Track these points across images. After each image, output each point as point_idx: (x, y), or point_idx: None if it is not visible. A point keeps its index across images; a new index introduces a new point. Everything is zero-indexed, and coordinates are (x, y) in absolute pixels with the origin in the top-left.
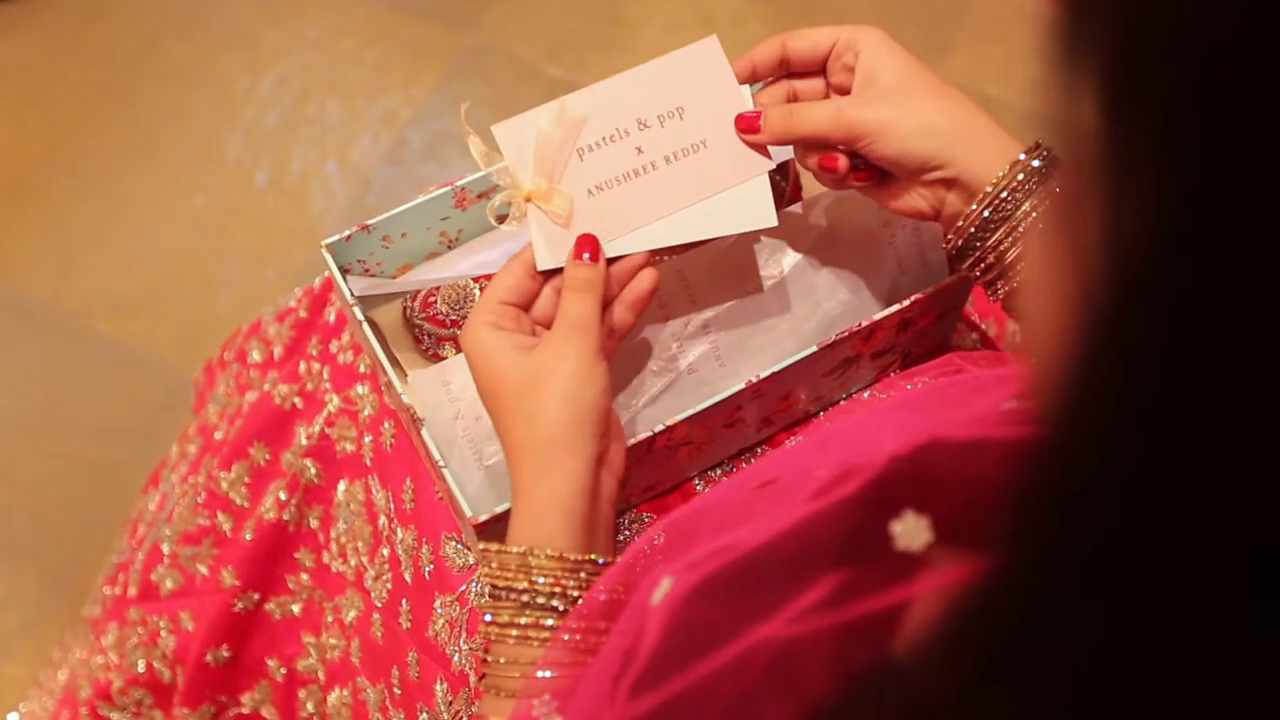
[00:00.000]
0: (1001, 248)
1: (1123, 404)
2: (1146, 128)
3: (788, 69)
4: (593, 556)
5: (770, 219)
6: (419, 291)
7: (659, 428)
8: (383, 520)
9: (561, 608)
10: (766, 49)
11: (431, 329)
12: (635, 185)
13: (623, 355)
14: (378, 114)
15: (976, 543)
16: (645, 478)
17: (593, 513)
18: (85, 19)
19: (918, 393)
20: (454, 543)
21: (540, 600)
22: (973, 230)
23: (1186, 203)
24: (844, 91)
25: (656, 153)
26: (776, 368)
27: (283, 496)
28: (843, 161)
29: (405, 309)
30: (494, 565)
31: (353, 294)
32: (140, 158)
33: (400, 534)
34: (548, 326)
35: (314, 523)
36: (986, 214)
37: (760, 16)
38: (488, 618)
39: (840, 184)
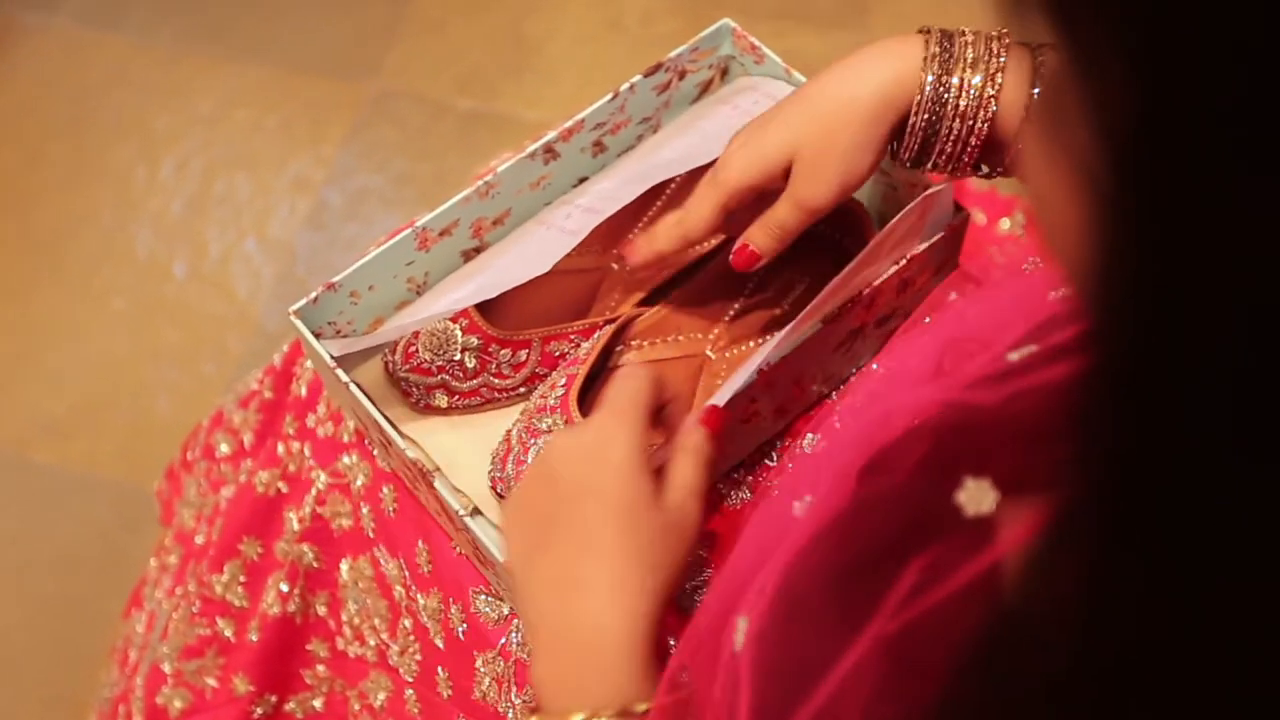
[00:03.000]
0: (955, 134)
1: (1151, 280)
2: (1101, 32)
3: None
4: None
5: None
6: (397, 344)
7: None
8: (399, 591)
9: None
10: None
11: (418, 379)
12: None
13: None
14: (289, 181)
15: (1046, 478)
16: None
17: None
18: None
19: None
20: (484, 596)
21: None
22: (919, 141)
23: (1159, 85)
24: None
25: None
26: (785, 350)
27: (284, 588)
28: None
29: (386, 364)
30: None
31: (332, 357)
32: (46, 271)
33: (422, 600)
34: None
35: (321, 609)
36: (926, 119)
37: (669, 11)
38: None
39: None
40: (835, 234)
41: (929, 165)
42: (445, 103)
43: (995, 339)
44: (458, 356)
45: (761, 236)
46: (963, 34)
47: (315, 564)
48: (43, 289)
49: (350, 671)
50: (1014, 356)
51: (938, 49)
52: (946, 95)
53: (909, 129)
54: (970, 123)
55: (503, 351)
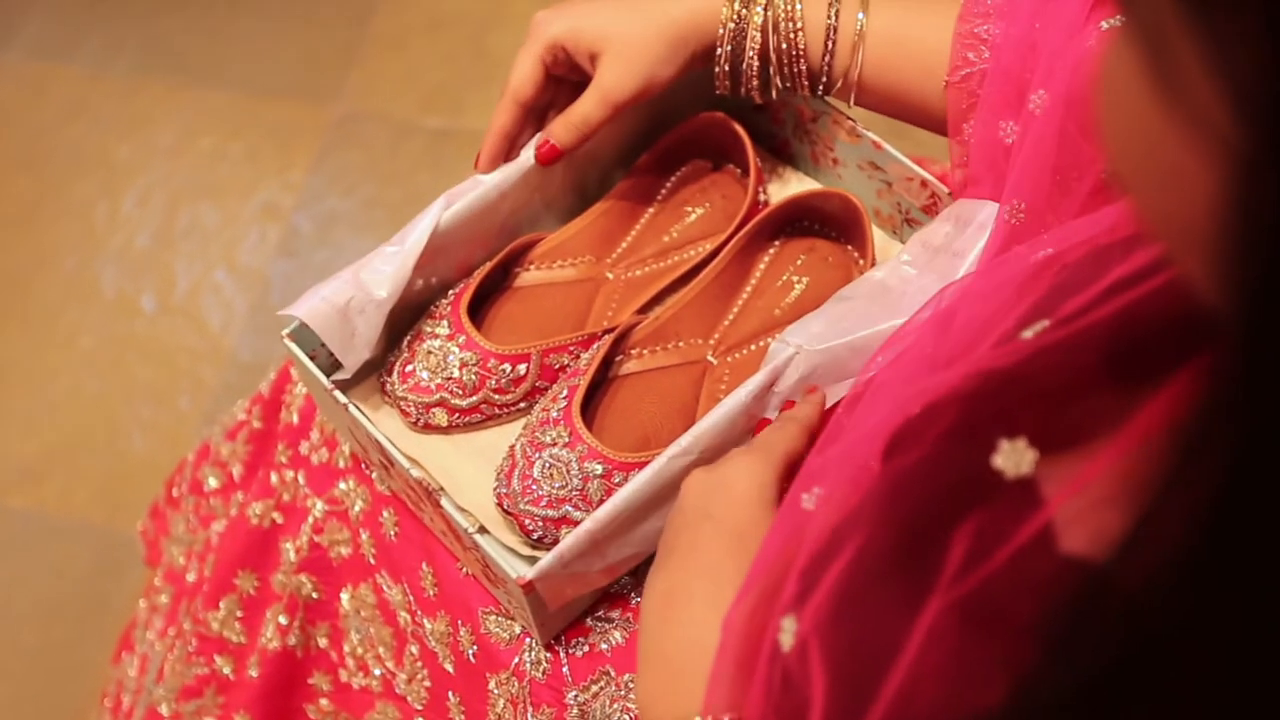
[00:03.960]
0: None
1: None
2: None
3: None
4: None
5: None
6: (394, 364)
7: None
8: (403, 617)
9: None
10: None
11: (416, 398)
12: None
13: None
14: (257, 208)
15: (1083, 431)
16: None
17: None
18: None
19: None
20: (495, 616)
21: None
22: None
23: None
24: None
25: None
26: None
27: (283, 621)
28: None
29: (383, 384)
30: None
31: (330, 379)
32: (10, 313)
33: (429, 625)
34: None
35: (322, 641)
36: (730, 49)
37: None
38: None
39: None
40: (834, 233)
41: (744, 92)
42: (412, 122)
43: (994, 321)
44: (456, 373)
45: (563, 131)
46: None
47: (315, 595)
48: (7, 331)
49: (355, 704)
50: (1028, 334)
51: None
52: (746, 26)
53: (716, 59)
54: (783, 48)
55: (501, 366)
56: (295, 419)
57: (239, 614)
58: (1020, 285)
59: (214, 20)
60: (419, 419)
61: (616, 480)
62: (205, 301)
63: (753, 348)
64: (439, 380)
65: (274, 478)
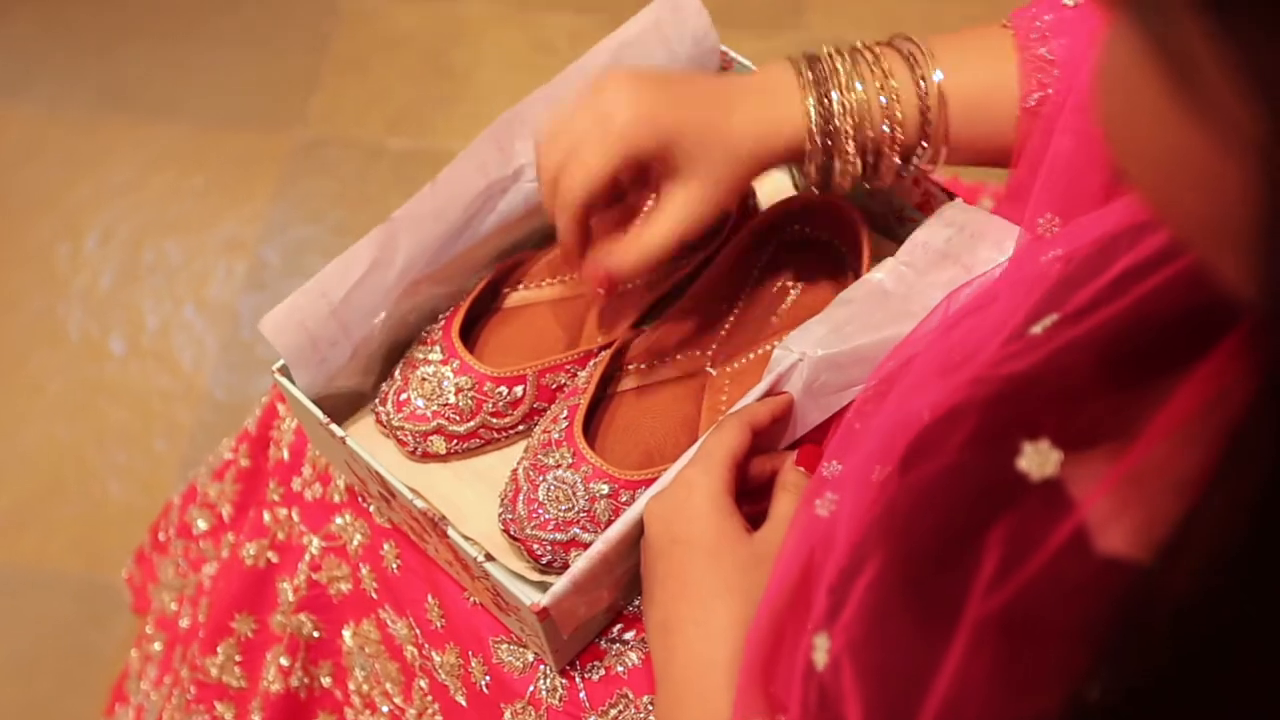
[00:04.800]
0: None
1: None
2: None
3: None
4: None
5: None
6: (387, 394)
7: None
8: (410, 651)
9: None
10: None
11: (413, 426)
12: None
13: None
14: (222, 242)
15: (1115, 424)
16: None
17: None
18: None
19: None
20: (507, 645)
21: None
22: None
23: None
24: None
25: None
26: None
27: (284, 663)
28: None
29: (378, 416)
30: None
31: (324, 414)
32: None
33: (438, 658)
34: None
35: (326, 681)
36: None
37: (598, 28)
38: None
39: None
40: (827, 236)
41: (834, 182)
42: (377, 144)
43: (1004, 320)
44: (452, 399)
45: (629, 264)
46: (826, 55)
47: (316, 633)
48: None
49: None
50: (1037, 330)
51: (809, 74)
52: (831, 114)
53: (807, 156)
54: (870, 131)
55: (498, 389)
56: (286, 455)
57: (238, 658)
58: (1028, 284)
59: (169, 52)
60: (416, 447)
61: (624, 499)
62: (175, 340)
63: (751, 356)
64: (435, 407)
65: (267, 516)
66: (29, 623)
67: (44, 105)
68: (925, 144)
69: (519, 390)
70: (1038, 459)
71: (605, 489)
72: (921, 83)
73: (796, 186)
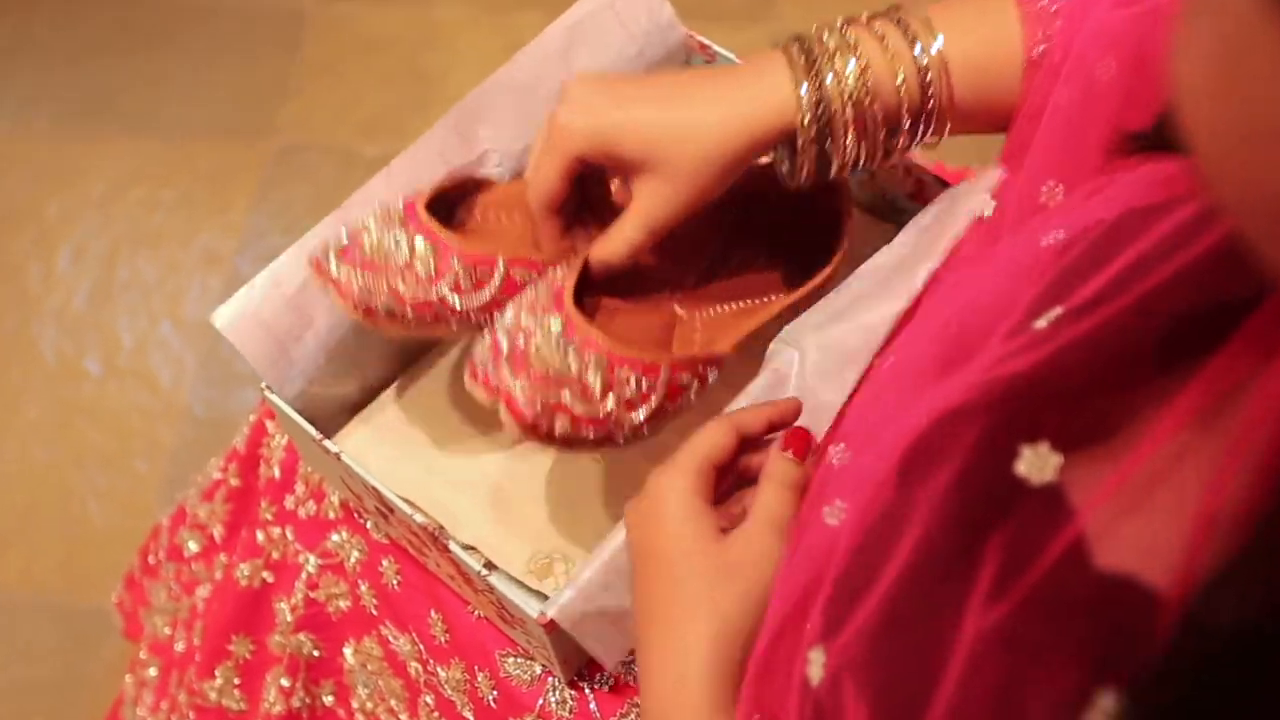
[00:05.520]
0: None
1: None
2: None
3: None
4: None
5: None
6: (328, 247)
7: None
8: (414, 667)
9: None
10: None
11: (361, 280)
12: None
13: None
14: (198, 255)
15: (1114, 425)
16: None
17: None
18: None
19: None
20: (513, 658)
21: None
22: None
23: None
24: None
25: None
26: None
27: (285, 683)
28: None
29: (316, 263)
30: None
31: (317, 432)
32: None
33: (444, 673)
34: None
35: (329, 699)
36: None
37: None
38: None
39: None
40: (809, 203)
41: (835, 171)
42: (352, 150)
43: (1006, 311)
44: (407, 258)
45: (604, 260)
46: (814, 34)
47: (316, 652)
48: None
49: None
50: (1041, 323)
51: (800, 56)
52: (824, 93)
53: (800, 144)
54: (874, 105)
55: (464, 264)
56: (276, 473)
57: (237, 680)
58: (1029, 271)
59: (138, 63)
60: (360, 304)
61: (621, 376)
62: (153, 358)
63: (725, 309)
64: (390, 265)
65: (260, 535)
66: (15, 650)
67: (10, 121)
68: (929, 115)
69: (489, 271)
70: (1037, 463)
71: (603, 360)
72: (919, 49)
73: (785, 183)
